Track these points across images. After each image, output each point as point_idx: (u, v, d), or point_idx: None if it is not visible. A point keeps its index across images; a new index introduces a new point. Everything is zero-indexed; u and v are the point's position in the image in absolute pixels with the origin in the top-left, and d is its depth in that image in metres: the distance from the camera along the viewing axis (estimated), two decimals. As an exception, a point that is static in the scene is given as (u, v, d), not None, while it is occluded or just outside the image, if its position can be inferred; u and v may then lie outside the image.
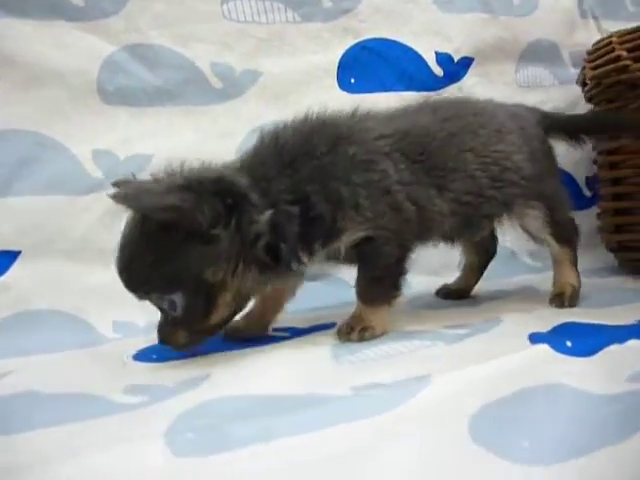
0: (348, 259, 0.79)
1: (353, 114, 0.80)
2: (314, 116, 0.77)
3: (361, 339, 0.75)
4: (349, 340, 0.75)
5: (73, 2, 0.93)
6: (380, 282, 0.79)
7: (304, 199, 0.72)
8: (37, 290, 0.88)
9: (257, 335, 0.82)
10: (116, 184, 0.73)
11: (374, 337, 0.76)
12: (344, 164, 0.74)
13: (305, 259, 0.74)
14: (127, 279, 0.69)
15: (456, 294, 1.03)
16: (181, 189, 0.66)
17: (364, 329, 0.76)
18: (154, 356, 0.76)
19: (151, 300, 0.71)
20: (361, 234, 0.74)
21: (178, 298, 0.69)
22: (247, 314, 0.82)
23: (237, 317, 0.82)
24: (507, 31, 1.20)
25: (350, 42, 1.08)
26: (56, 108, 0.92)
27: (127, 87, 0.96)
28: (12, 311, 0.87)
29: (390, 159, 0.76)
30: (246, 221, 0.68)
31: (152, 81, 0.97)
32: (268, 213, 0.69)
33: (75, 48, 0.94)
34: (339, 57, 1.07)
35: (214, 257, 0.67)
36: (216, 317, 0.71)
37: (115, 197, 0.65)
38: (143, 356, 0.77)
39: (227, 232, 0.67)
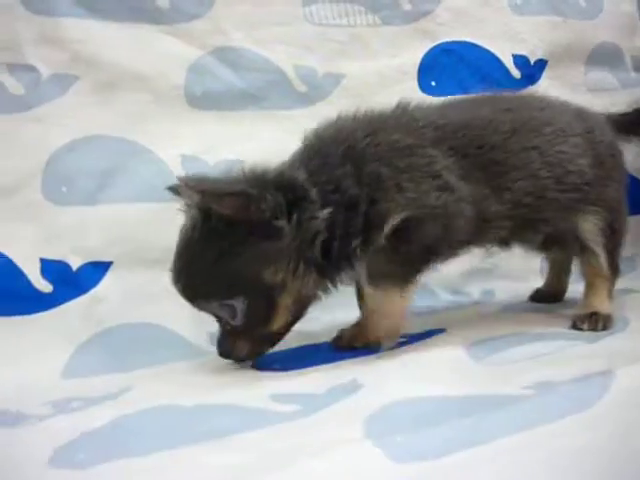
0: None
1: (398, 106, 0.77)
2: (362, 112, 0.75)
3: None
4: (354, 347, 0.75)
5: (158, 4, 0.91)
6: (398, 257, 0.70)
7: (346, 190, 0.68)
8: (130, 302, 0.83)
9: (367, 343, 0.76)
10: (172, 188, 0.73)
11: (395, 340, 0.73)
12: (384, 149, 0.71)
13: (353, 257, 0.70)
14: (184, 287, 0.67)
15: (550, 296, 0.98)
16: (245, 182, 0.67)
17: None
18: (277, 365, 0.71)
19: (211, 310, 0.68)
20: (403, 214, 0.69)
21: (238, 303, 0.66)
22: (356, 325, 0.79)
23: (348, 328, 0.79)
24: (575, 34, 1.18)
25: (429, 45, 1.06)
26: (141, 112, 0.89)
27: (214, 91, 0.93)
28: (106, 325, 0.81)
29: (437, 149, 0.72)
30: (307, 217, 0.66)
31: (237, 84, 0.94)
32: (327, 210, 0.67)
33: (160, 51, 0.90)
34: (419, 60, 1.05)
35: (275, 254, 0.66)
36: (277, 323, 0.69)
37: (184, 180, 0.66)
38: (264, 364, 0.72)
39: (290, 226, 0.66)
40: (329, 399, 0.56)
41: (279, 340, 0.71)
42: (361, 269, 0.71)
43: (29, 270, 0.80)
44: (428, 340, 0.77)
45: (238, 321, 0.67)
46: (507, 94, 0.92)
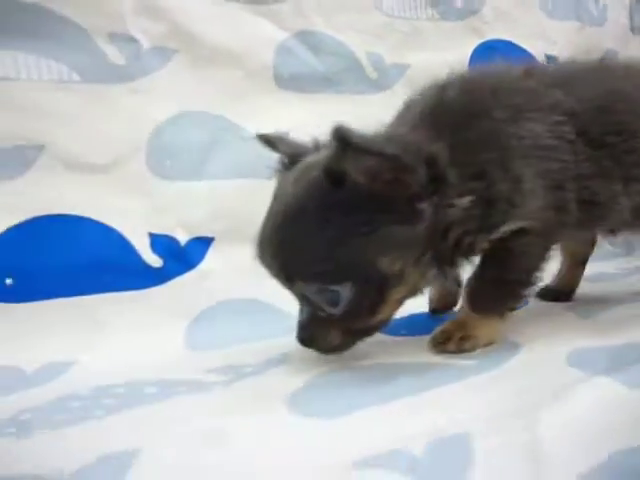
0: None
1: (527, 73, 0.67)
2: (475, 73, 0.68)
3: (460, 350, 0.62)
4: (445, 351, 0.62)
5: (249, -20, 0.92)
6: (504, 287, 0.64)
7: (493, 181, 0.59)
8: (232, 278, 0.84)
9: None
10: (266, 139, 0.67)
11: (476, 348, 0.63)
12: (528, 145, 0.61)
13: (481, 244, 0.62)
14: (281, 264, 0.56)
15: (560, 295, 0.86)
16: (395, 145, 0.53)
17: (464, 338, 0.63)
18: (403, 331, 0.72)
19: (304, 291, 0.57)
20: (520, 223, 0.61)
21: (344, 290, 0.55)
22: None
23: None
24: (591, 39, 1.31)
25: (477, 41, 1.14)
26: (235, 90, 0.89)
27: (298, 73, 0.95)
28: (213, 301, 0.81)
29: (573, 146, 0.63)
30: (444, 203, 0.56)
31: (318, 68, 0.97)
32: (468, 199, 0.56)
33: (250, 30, 0.91)
34: (469, 55, 1.12)
35: (403, 241, 0.54)
36: (381, 316, 0.59)
37: (340, 130, 0.49)
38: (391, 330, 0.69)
39: (430, 210, 0.55)
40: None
41: (373, 334, 0.61)
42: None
43: (139, 244, 0.79)
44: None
45: (338, 310, 0.56)
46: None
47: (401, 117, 0.65)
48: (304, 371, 0.59)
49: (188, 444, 0.44)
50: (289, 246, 0.55)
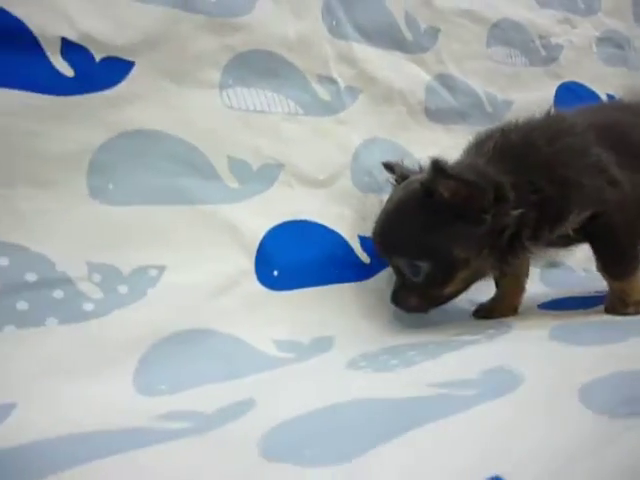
0: (576, 240, 0.88)
1: (554, 115, 0.90)
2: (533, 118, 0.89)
3: (638, 312, 0.82)
4: (626, 314, 0.82)
5: (405, 36, 1.13)
6: (619, 256, 0.85)
7: (537, 190, 0.79)
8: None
9: (506, 316, 0.93)
10: (388, 165, 0.93)
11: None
12: (565, 153, 0.82)
13: (533, 247, 0.82)
14: (385, 241, 0.83)
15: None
16: (479, 175, 0.77)
17: (636, 303, 0.83)
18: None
19: (397, 263, 0.82)
20: (587, 212, 0.81)
21: (425, 266, 0.78)
22: (495, 298, 0.96)
23: (486, 302, 0.97)
24: (633, 81, 1.58)
25: (557, 83, 1.38)
26: (401, 121, 1.09)
27: (441, 108, 1.16)
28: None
29: (599, 147, 0.84)
30: (502, 214, 0.77)
31: (453, 104, 1.18)
32: (518, 211, 0.77)
33: (407, 74, 1.12)
34: (554, 93, 1.37)
35: (470, 238, 0.77)
36: (450, 289, 0.81)
37: (435, 161, 0.74)
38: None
39: (490, 219, 0.76)
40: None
41: (444, 303, 0.84)
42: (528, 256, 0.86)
43: (353, 244, 0.96)
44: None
45: (419, 279, 0.79)
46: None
47: (474, 149, 0.88)
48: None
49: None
50: (391, 231, 0.82)
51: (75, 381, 0.63)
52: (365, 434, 0.43)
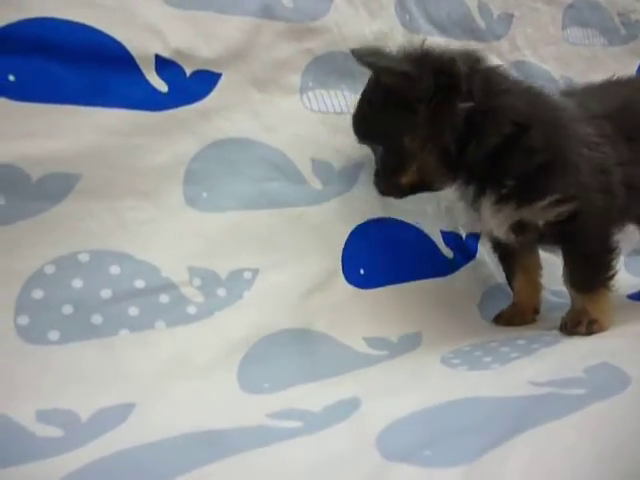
0: (548, 241, 0.82)
1: (571, 91, 0.88)
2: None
3: (589, 333, 0.74)
4: (576, 334, 0.75)
5: (479, 25, 1.12)
6: (589, 263, 0.78)
7: (525, 129, 0.74)
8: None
9: (526, 322, 0.89)
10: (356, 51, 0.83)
11: (602, 330, 0.75)
12: (580, 139, 0.77)
13: (489, 190, 0.77)
14: (355, 126, 0.83)
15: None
16: (413, 60, 0.74)
17: (591, 322, 0.75)
18: None
19: (368, 146, 0.85)
20: (571, 205, 0.74)
21: (379, 149, 0.81)
22: (513, 305, 0.92)
23: (506, 308, 0.92)
24: None
25: (638, 60, 1.33)
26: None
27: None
28: (488, 284, 0.99)
29: (613, 140, 0.79)
30: (446, 104, 0.73)
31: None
32: (467, 104, 0.73)
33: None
34: (635, 71, 1.31)
35: (412, 126, 0.75)
36: (404, 179, 0.79)
37: (356, 52, 0.77)
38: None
39: (426, 108, 0.73)
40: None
41: (408, 194, 0.83)
42: (485, 215, 0.80)
43: (437, 240, 0.97)
44: None
45: (379, 164, 0.82)
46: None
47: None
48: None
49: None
50: (358, 117, 0.83)
51: (185, 381, 0.67)
52: (483, 434, 0.44)
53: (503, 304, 0.96)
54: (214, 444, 0.53)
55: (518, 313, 0.90)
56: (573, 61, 1.24)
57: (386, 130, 0.78)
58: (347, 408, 0.56)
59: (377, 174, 0.83)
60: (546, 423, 0.45)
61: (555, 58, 1.21)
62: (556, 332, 0.76)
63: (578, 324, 0.75)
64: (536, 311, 0.91)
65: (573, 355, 0.63)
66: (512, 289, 0.94)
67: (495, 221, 0.80)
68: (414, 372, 0.67)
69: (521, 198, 0.75)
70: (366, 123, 0.82)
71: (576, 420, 0.46)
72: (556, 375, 0.56)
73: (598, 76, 1.25)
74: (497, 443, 0.43)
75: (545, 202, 0.74)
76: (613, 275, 0.78)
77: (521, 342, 0.72)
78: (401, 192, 0.83)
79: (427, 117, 0.74)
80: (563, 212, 0.75)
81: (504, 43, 1.15)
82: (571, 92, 0.91)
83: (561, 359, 0.62)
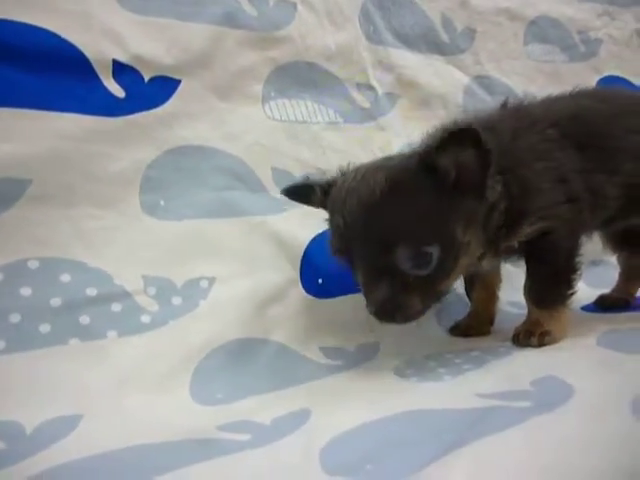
0: (514, 257, 0.79)
1: (519, 107, 0.83)
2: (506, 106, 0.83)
3: (541, 344, 0.72)
4: (528, 346, 0.73)
5: (443, 39, 1.13)
6: (552, 280, 0.77)
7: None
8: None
9: (482, 334, 0.89)
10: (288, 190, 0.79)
11: (554, 342, 0.73)
12: (527, 152, 0.74)
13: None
14: (380, 233, 0.64)
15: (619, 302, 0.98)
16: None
17: (543, 334, 0.73)
18: None
19: (398, 257, 0.64)
20: (542, 224, 0.73)
21: (436, 251, 0.64)
22: (469, 316, 0.92)
23: (462, 319, 0.92)
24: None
25: (597, 77, 1.36)
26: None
27: (479, 110, 1.15)
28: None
29: (562, 146, 0.76)
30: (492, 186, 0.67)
31: (492, 105, 1.17)
32: (499, 183, 0.68)
33: (447, 77, 1.12)
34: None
35: (471, 215, 0.66)
36: (451, 281, 0.69)
37: (467, 130, 0.62)
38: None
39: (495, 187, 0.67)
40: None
41: (442, 301, 0.71)
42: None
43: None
44: None
45: (429, 269, 0.64)
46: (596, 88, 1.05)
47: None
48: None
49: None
50: (388, 217, 0.64)
51: (136, 391, 0.66)
52: (426, 447, 0.45)
53: (461, 314, 0.97)
54: (161, 457, 0.53)
55: (474, 324, 0.91)
56: (535, 76, 1.26)
57: (441, 225, 0.64)
58: (297, 420, 0.56)
59: (395, 295, 0.65)
60: (488, 436, 0.46)
61: (517, 73, 1.23)
62: (509, 344, 0.77)
63: (531, 335, 0.74)
64: (491, 323, 0.92)
65: (522, 368, 0.63)
66: (470, 299, 0.95)
67: None
68: (367, 383, 0.67)
69: (509, 230, 0.73)
70: (408, 224, 0.64)
71: (518, 433, 0.46)
72: (503, 387, 0.57)
73: (556, 91, 1.30)
74: (439, 456, 0.43)
75: (524, 227, 0.73)
76: (573, 293, 0.77)
77: (475, 353, 0.73)
78: (436, 302, 0.70)
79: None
80: (535, 231, 0.74)
81: (467, 57, 1.16)
82: (512, 105, 0.86)
83: (510, 371, 0.62)
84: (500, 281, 0.93)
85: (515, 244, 0.75)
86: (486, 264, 0.76)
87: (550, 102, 0.87)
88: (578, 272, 0.77)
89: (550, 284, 0.77)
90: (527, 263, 0.78)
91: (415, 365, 0.72)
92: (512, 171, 0.71)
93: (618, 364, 0.59)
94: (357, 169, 0.72)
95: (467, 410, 0.53)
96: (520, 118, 0.79)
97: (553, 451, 0.44)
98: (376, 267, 0.65)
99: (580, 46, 1.36)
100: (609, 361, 0.61)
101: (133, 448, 0.54)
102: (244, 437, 0.53)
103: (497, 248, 0.73)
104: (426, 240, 0.63)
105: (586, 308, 0.99)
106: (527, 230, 0.73)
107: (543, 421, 0.48)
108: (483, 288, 0.92)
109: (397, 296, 0.64)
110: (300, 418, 0.56)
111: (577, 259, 0.77)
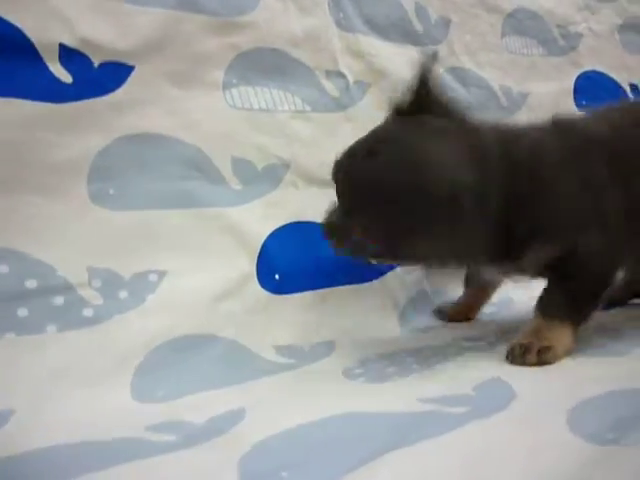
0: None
1: (556, 121, 0.78)
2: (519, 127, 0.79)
3: (541, 363, 0.62)
4: (524, 364, 0.63)
5: (416, 29, 1.10)
6: (575, 294, 0.67)
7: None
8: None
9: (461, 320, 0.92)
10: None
11: (555, 360, 0.63)
12: (551, 174, 0.68)
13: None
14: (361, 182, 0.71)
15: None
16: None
17: (543, 350, 0.63)
18: None
19: (355, 220, 0.71)
20: (554, 253, 0.66)
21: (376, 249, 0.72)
22: (457, 302, 0.95)
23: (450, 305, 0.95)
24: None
25: (577, 72, 1.34)
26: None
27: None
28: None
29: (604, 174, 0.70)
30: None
31: (467, 97, 1.15)
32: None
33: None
34: (573, 82, 1.32)
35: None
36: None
37: None
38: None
39: None
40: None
41: None
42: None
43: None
44: None
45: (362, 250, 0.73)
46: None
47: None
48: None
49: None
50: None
51: (75, 388, 0.64)
52: (351, 453, 0.43)
53: (426, 312, 0.96)
54: (85, 457, 0.51)
55: (455, 314, 0.93)
56: (512, 69, 1.23)
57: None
58: (231, 421, 0.54)
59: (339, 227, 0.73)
60: (418, 442, 0.44)
61: (494, 66, 1.21)
62: (465, 343, 0.75)
63: (527, 351, 0.63)
64: (473, 315, 0.94)
65: (469, 371, 0.62)
66: (464, 288, 0.94)
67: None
68: (312, 383, 0.65)
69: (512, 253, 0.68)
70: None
71: (449, 440, 0.45)
72: (445, 391, 0.55)
73: (537, 85, 1.27)
74: (363, 463, 0.42)
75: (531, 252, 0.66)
76: (590, 315, 0.67)
77: (427, 353, 0.71)
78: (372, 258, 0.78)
79: None
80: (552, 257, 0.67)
81: (442, 48, 1.14)
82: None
83: (456, 374, 0.61)
84: (500, 285, 0.92)
85: (527, 268, 0.69)
86: (487, 275, 0.79)
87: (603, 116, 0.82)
88: (606, 291, 0.68)
89: (570, 297, 0.67)
90: (548, 283, 0.70)
91: (367, 365, 0.70)
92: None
93: (562, 369, 0.57)
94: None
95: (404, 414, 0.51)
96: (566, 137, 0.74)
97: (480, 459, 0.42)
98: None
99: (559, 40, 1.33)
100: (555, 365, 0.59)
101: (58, 447, 0.52)
102: (169, 438, 0.51)
103: (500, 264, 0.70)
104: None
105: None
106: (535, 257, 0.66)
107: (475, 428, 0.46)
108: (482, 289, 0.93)
109: (337, 229, 0.73)
110: (234, 418, 0.54)
111: (611, 279, 0.69)
